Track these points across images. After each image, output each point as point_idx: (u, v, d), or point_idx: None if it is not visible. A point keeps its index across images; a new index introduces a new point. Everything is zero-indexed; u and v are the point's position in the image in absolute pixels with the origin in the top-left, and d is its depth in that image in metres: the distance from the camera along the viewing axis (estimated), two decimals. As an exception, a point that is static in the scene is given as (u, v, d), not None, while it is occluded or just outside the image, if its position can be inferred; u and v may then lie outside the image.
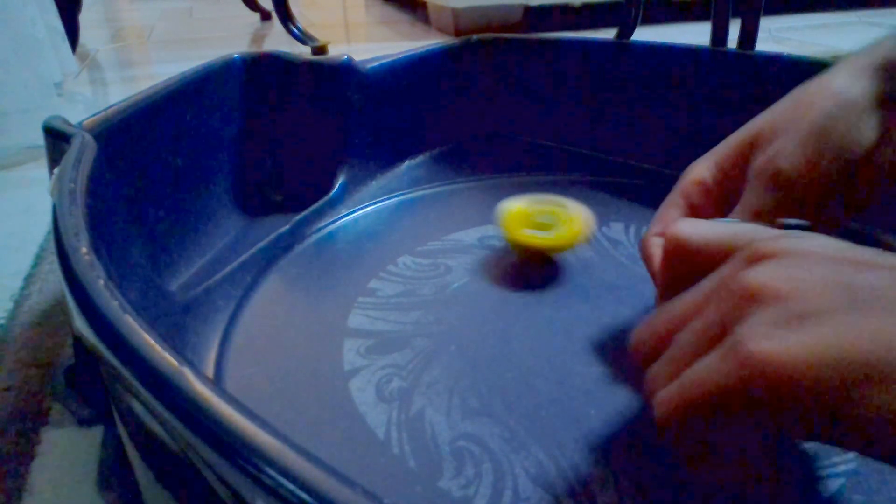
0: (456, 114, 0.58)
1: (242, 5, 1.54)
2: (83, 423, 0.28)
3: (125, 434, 0.16)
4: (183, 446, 0.12)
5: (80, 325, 0.16)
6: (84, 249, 0.18)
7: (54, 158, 0.29)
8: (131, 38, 1.33)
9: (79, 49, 0.97)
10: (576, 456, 0.27)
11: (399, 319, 0.35)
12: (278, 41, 1.20)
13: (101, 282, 0.16)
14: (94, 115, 0.33)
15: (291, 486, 0.11)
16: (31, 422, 0.30)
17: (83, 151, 0.26)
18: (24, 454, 0.27)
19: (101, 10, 1.82)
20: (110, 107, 0.35)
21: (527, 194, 0.42)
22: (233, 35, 1.33)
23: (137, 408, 0.13)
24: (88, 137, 0.29)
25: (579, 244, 0.39)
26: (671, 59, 0.54)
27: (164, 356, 0.13)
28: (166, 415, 0.12)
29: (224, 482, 0.11)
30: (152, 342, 0.14)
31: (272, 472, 0.11)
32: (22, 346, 0.35)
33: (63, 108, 0.81)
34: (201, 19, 1.58)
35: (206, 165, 0.43)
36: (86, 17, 1.06)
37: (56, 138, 0.29)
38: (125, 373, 0.13)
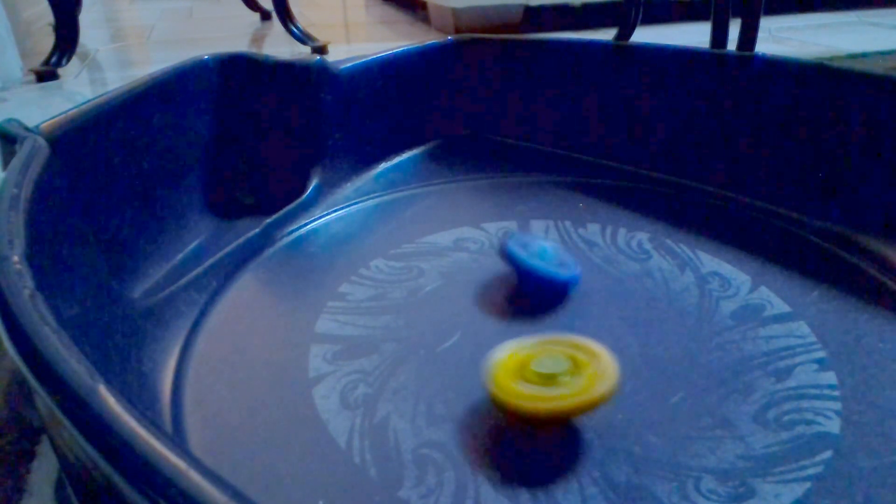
0: (431, 115, 0.58)
1: (242, 5, 1.53)
2: (37, 432, 0.28)
3: (52, 447, 0.16)
4: (87, 462, 0.11)
5: (3, 335, 0.15)
6: (15, 258, 0.17)
7: (7, 163, 0.28)
8: (131, 38, 1.32)
9: (79, 49, 0.96)
10: (540, 461, 0.26)
11: (368, 324, 0.35)
12: (278, 41, 1.19)
13: (27, 292, 0.16)
14: (52, 117, 0.32)
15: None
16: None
17: (33, 156, 0.26)
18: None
19: (101, 10, 1.80)
20: (70, 109, 0.34)
21: (528, 336, 0.30)
22: (233, 35, 1.31)
23: (51, 419, 0.13)
24: (41, 141, 0.28)
25: (603, 402, 0.26)
26: (653, 60, 0.53)
27: (76, 371, 0.13)
28: (73, 430, 0.12)
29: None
30: (64, 355, 0.13)
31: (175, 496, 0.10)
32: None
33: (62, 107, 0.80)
34: (201, 19, 1.57)
35: (175, 168, 0.42)
36: (86, 17, 1.04)
37: (9, 143, 0.29)
38: (35, 385, 0.12)
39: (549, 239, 0.42)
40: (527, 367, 0.27)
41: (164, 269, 0.38)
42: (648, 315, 0.35)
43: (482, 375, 0.28)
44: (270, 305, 0.37)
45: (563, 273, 0.37)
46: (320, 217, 0.46)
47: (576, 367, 0.27)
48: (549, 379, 0.27)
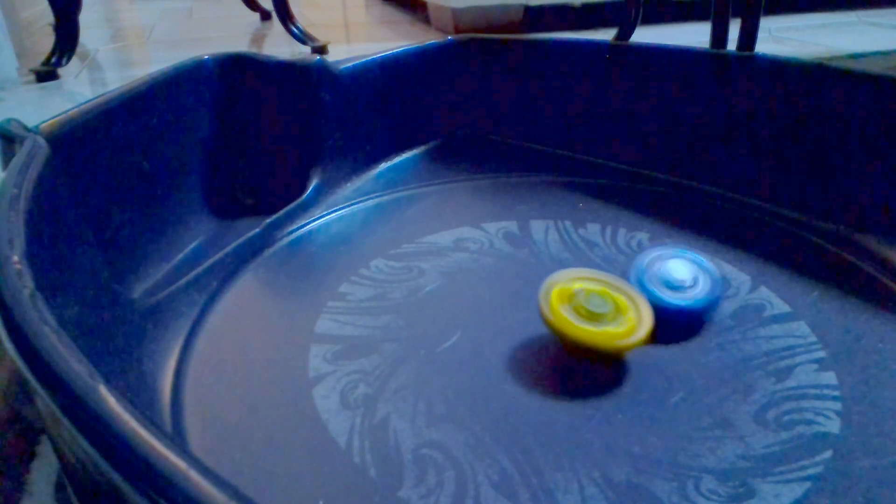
0: (431, 115, 0.58)
1: (242, 5, 1.53)
2: (37, 432, 0.28)
3: (53, 448, 0.16)
4: (87, 462, 0.11)
5: (3, 334, 0.15)
6: (15, 258, 0.17)
7: (7, 163, 0.28)
8: (131, 38, 1.32)
9: (79, 49, 0.97)
10: (540, 461, 0.26)
11: (368, 324, 0.35)
12: (278, 41, 1.19)
13: (27, 292, 0.16)
14: (52, 118, 0.32)
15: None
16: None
17: (33, 156, 0.26)
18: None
19: (101, 10, 1.79)
20: (70, 109, 0.34)
21: (576, 268, 0.34)
22: (233, 35, 1.31)
23: (51, 419, 0.13)
24: (41, 141, 0.28)
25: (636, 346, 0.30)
26: (653, 60, 0.53)
27: (76, 371, 0.13)
28: (73, 432, 0.12)
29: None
30: (64, 355, 0.13)
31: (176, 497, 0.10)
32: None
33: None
34: (201, 19, 1.57)
35: (175, 168, 0.42)
36: (86, 17, 1.04)
37: (9, 142, 0.29)
38: (35, 385, 0.12)
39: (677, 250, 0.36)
40: (575, 300, 0.31)
41: (164, 269, 0.38)
42: (648, 315, 0.35)
43: (540, 302, 0.32)
44: (270, 305, 0.37)
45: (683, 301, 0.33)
46: (320, 217, 0.46)
47: (617, 310, 0.31)
48: (595, 317, 0.31)
